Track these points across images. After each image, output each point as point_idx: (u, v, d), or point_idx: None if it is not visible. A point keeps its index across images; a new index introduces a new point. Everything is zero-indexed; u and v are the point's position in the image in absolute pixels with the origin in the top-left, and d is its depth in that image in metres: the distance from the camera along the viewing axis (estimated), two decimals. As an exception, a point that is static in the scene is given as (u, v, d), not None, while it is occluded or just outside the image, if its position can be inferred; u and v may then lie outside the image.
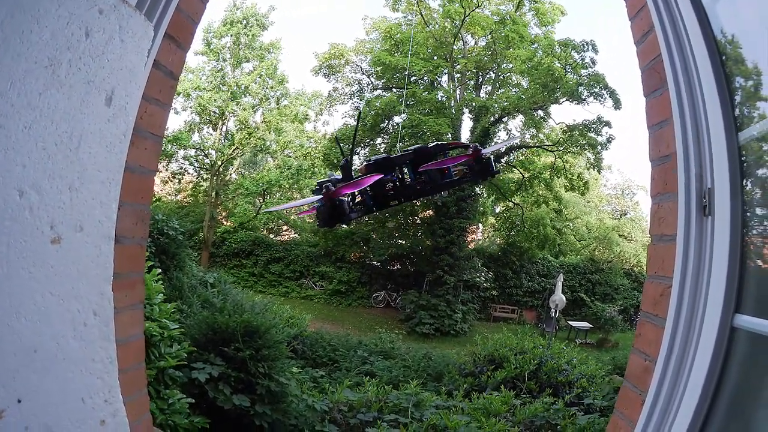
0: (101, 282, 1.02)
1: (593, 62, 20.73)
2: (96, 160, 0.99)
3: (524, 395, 7.13)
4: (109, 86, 1.01)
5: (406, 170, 3.46)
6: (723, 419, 1.32)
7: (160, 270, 4.88)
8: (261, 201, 26.04)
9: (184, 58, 1.65)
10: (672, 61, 1.55)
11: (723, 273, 1.36)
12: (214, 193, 24.98)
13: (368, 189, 3.32)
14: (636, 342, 1.65)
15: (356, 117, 22.03)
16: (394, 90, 23.20)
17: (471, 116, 22.82)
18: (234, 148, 25.05)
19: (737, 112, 1.41)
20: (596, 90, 20.45)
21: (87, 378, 0.98)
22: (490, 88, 24.02)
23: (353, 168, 3.25)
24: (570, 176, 22.86)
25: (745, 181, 1.39)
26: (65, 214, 0.95)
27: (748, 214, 1.38)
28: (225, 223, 26.38)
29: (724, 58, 1.44)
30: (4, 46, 0.84)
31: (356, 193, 3.34)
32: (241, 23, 24.96)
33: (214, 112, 24.64)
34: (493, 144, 19.82)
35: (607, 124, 21.10)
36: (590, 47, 20.49)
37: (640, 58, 1.77)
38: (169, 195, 26.69)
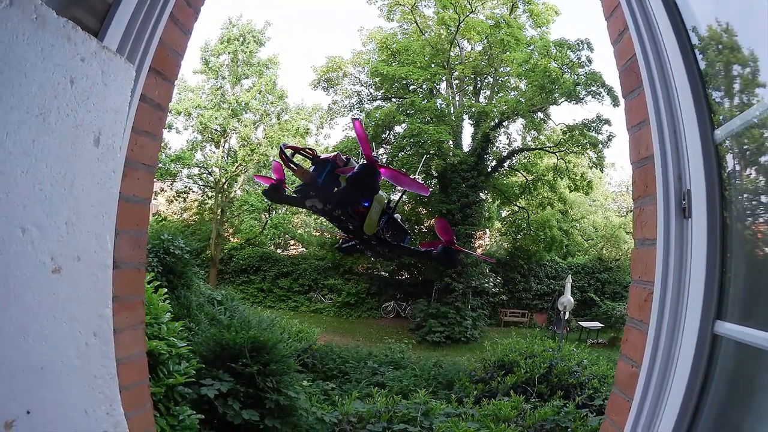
0: (100, 306, 1.12)
1: (589, 60, 20.83)
2: (89, 197, 1.09)
3: (534, 399, 7.14)
4: (96, 128, 1.10)
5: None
6: (706, 429, 1.28)
7: (166, 290, 4.99)
8: (267, 216, 26.14)
9: (172, 90, 1.73)
10: (647, 60, 1.52)
11: (701, 278, 1.31)
12: (219, 211, 25.02)
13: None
14: (623, 348, 1.61)
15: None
16: (393, 100, 23.33)
17: (471, 122, 22.86)
18: (237, 164, 25.07)
19: (712, 109, 1.37)
20: (594, 88, 20.53)
21: (89, 392, 1.08)
22: (488, 92, 24.07)
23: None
24: (573, 176, 22.83)
25: (724, 180, 1.33)
26: (64, 247, 1.04)
27: (728, 215, 1.32)
28: (232, 240, 26.45)
29: (698, 54, 1.40)
30: (-3, 102, 0.91)
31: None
32: (237, 40, 25.04)
33: (216, 129, 24.74)
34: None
35: (607, 122, 21.16)
36: (585, 45, 20.58)
37: (617, 59, 1.74)
38: (175, 214, 26.75)
